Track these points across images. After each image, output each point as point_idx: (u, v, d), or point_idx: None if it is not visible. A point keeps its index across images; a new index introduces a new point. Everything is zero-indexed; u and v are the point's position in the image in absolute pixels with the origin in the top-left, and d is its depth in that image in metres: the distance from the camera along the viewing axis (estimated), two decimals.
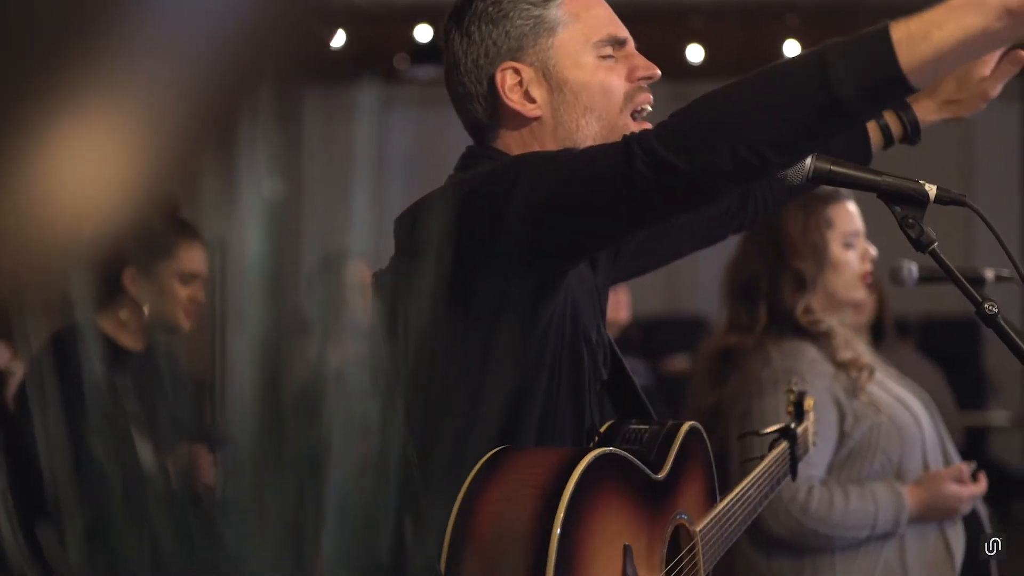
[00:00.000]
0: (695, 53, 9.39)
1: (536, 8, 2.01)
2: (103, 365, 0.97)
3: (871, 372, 3.19)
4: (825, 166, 2.01)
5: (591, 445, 2.00)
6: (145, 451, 0.99)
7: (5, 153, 0.48)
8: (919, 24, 1.72)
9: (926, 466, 3.18)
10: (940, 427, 3.28)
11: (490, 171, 1.92)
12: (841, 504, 3.07)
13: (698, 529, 2.01)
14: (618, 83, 2.01)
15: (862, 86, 1.72)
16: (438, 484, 1.71)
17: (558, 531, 1.67)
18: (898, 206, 1.99)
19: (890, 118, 2.37)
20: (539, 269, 1.85)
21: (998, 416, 10.02)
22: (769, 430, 2.49)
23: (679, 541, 1.97)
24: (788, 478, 2.48)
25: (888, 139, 2.40)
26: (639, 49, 2.08)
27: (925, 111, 2.36)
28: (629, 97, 2.02)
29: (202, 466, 1.02)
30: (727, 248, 3.38)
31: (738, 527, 2.18)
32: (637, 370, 5.29)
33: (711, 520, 2.06)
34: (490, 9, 2.02)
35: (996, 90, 2.33)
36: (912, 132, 2.39)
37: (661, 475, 1.95)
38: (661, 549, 1.89)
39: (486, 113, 2.04)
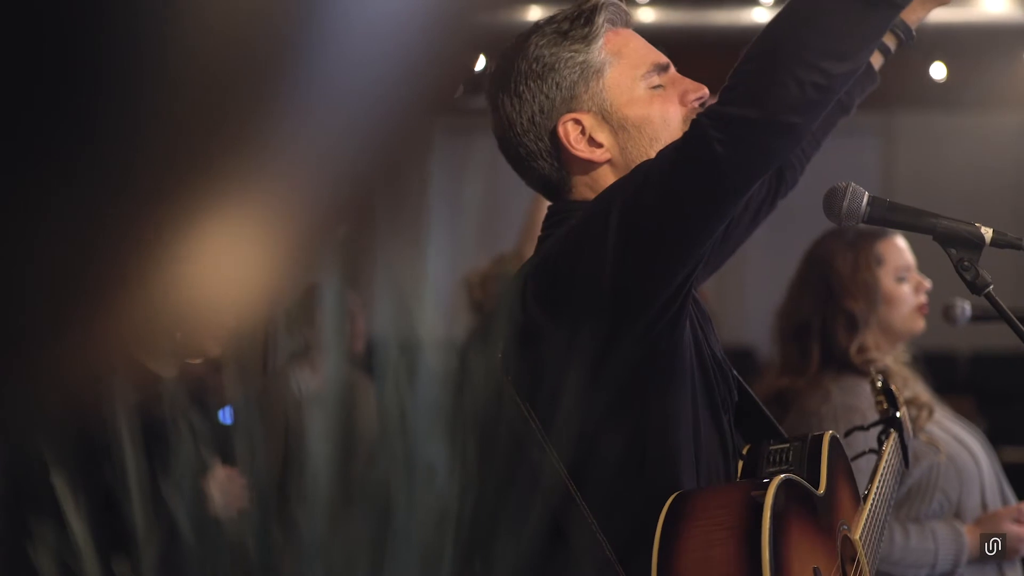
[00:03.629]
0: None
1: (579, 54, 2.02)
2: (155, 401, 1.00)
3: (930, 411, 3.18)
4: (881, 208, 2.02)
5: (740, 473, 2.03)
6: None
7: (149, 244, 0.51)
8: None
9: (984, 506, 3.16)
10: (998, 466, 3.27)
11: (582, 223, 1.94)
12: (901, 542, 3.06)
13: (857, 537, 2.03)
14: (674, 109, 2.03)
15: None
16: (607, 522, 1.75)
17: (769, 570, 1.72)
18: (954, 249, 2.00)
19: None
20: (661, 287, 1.86)
21: None
22: (874, 423, 2.47)
23: (844, 551, 1.99)
24: (903, 467, 2.45)
25: (886, 52, 2.39)
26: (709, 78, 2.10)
27: (911, 11, 2.33)
28: (687, 120, 2.03)
29: (235, 491, 1.04)
30: (775, 279, 3.39)
31: (883, 525, 2.19)
32: None
33: (864, 525, 2.08)
34: (534, 66, 2.03)
35: None
36: (906, 37, 2.38)
37: (821, 491, 1.97)
38: (837, 563, 1.92)
39: (553, 168, 2.05)
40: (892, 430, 2.42)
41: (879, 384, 2.52)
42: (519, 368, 1.72)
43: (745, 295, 10.03)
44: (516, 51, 2.05)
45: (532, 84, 2.03)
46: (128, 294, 0.52)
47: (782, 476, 1.83)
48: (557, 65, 2.03)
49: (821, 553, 1.89)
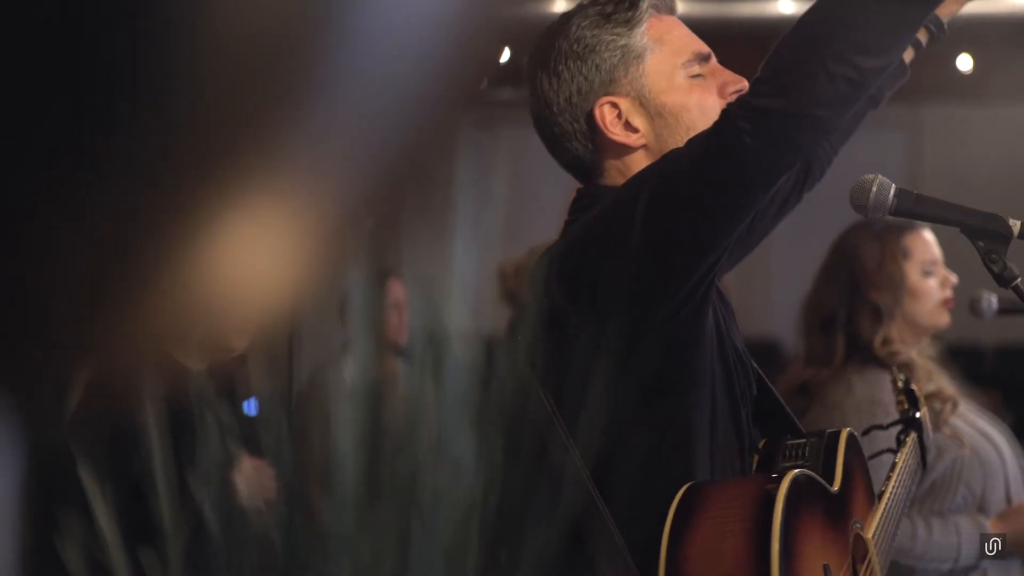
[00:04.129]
0: None
1: (621, 38, 2.02)
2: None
3: (955, 404, 3.17)
4: (908, 200, 2.02)
5: (756, 466, 2.03)
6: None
7: (178, 238, 0.51)
8: None
9: (1009, 500, 3.15)
10: (1023, 460, 3.26)
11: (611, 207, 1.94)
12: (924, 536, 3.05)
13: (870, 536, 2.03)
14: (713, 100, 2.02)
15: None
16: (627, 514, 1.74)
17: (778, 564, 1.72)
18: (981, 241, 1.99)
19: None
20: (686, 276, 1.85)
21: None
22: (893, 422, 2.46)
23: (856, 549, 1.99)
24: (921, 468, 2.44)
25: (917, 46, 2.39)
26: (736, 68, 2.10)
27: (944, 5, 2.32)
28: None
29: (262, 481, 1.04)
30: (801, 272, 3.38)
31: (896, 525, 2.19)
32: None
33: (878, 524, 2.08)
34: (575, 46, 2.03)
35: None
36: (938, 30, 2.37)
37: (835, 487, 1.96)
38: (848, 561, 1.92)
39: (587, 150, 2.05)
40: (912, 430, 2.41)
41: (900, 384, 2.52)
42: (541, 353, 1.72)
43: (771, 288, 10.00)
44: (557, 30, 2.05)
45: (571, 64, 2.03)
46: (156, 287, 0.52)
47: (796, 471, 1.83)
48: (598, 47, 2.02)
49: (832, 550, 1.88)
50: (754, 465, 2.02)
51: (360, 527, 1.00)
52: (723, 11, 8.35)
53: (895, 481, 2.22)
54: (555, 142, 2.08)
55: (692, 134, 1.98)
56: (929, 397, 3.17)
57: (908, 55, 2.36)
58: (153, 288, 0.51)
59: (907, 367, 3.20)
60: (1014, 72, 8.92)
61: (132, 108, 0.47)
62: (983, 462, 3.14)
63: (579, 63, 2.03)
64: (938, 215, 2.03)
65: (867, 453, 2.16)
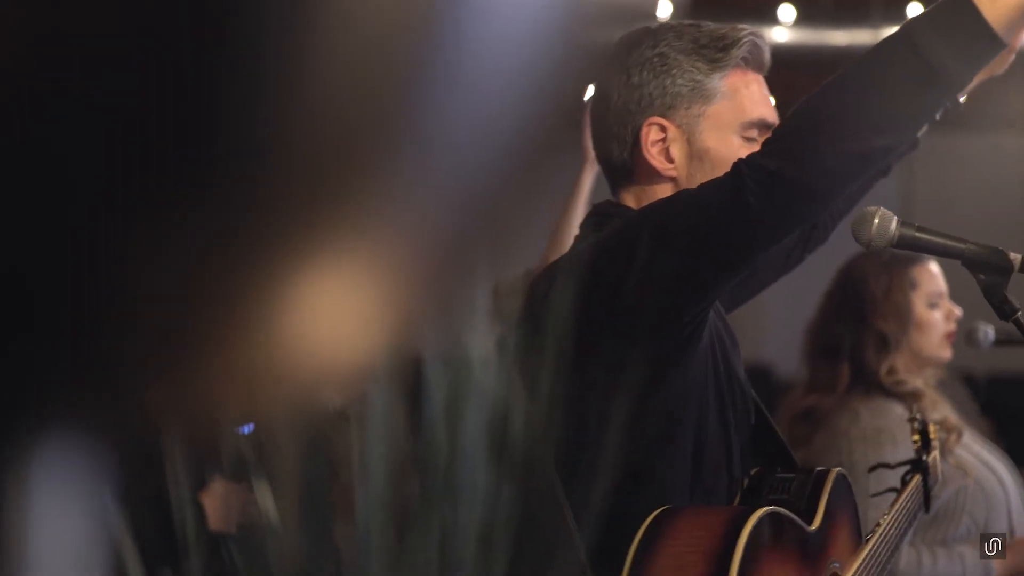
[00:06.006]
0: None
1: (699, 73, 2.02)
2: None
3: (959, 434, 3.18)
4: (910, 232, 2.02)
5: (740, 495, 2.02)
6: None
7: (255, 298, 0.52)
8: None
9: (1011, 530, 3.16)
10: None
11: (615, 232, 1.95)
12: (929, 565, 3.05)
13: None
14: None
15: (953, 49, 1.76)
16: (598, 541, 1.74)
17: None
18: (983, 274, 2.00)
19: None
20: (677, 312, 1.86)
21: None
22: (900, 462, 2.46)
23: None
24: (922, 511, 2.45)
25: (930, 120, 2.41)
26: None
27: None
28: None
29: (233, 505, 1.04)
30: (792, 296, 3.39)
31: (883, 567, 2.18)
32: None
33: (860, 566, 2.07)
34: (655, 60, 2.03)
35: (1020, 40, 2.32)
36: (953, 104, 2.39)
37: (814, 526, 1.96)
38: None
39: (621, 158, 2.06)
40: (917, 472, 2.41)
41: (916, 425, 2.51)
42: (526, 368, 1.72)
43: (763, 314, 9.99)
44: (648, 36, 2.05)
45: (645, 75, 2.03)
46: (238, 336, 0.53)
47: (767, 508, 1.82)
48: (675, 71, 2.02)
49: None
50: (740, 494, 2.03)
51: (381, 556, 1.01)
52: None
53: (888, 522, 2.22)
54: (599, 136, 2.09)
55: None
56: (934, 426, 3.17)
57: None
58: (233, 338, 0.52)
59: (913, 396, 3.20)
60: (1007, 102, 8.95)
61: (217, 156, 0.48)
62: (987, 493, 3.15)
63: (651, 76, 2.03)
64: (940, 248, 2.04)
65: (872, 490, 2.15)
